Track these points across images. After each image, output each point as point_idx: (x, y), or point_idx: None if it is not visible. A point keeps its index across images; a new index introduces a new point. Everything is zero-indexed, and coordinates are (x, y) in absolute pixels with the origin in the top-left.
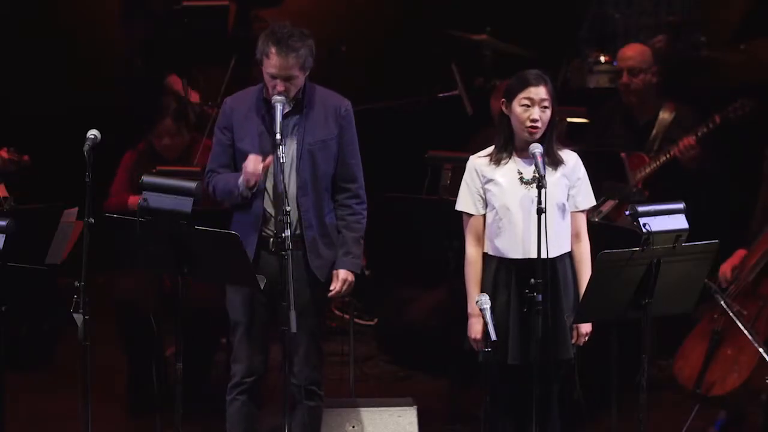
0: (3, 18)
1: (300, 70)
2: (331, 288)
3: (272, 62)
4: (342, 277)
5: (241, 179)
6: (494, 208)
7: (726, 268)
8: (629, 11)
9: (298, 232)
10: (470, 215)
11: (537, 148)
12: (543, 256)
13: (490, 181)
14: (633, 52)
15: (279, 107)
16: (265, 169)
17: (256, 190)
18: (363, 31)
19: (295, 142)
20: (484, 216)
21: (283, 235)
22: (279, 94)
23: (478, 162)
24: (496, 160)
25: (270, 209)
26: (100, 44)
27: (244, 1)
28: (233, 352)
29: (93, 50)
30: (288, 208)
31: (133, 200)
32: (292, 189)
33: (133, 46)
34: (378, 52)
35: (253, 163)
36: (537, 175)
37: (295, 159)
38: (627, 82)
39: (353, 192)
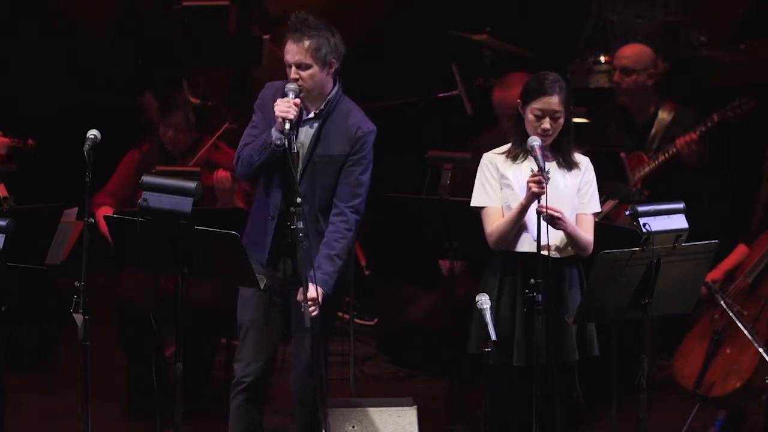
0: (3, 17)
1: (314, 60)
2: (298, 298)
3: (286, 48)
4: (310, 294)
5: (273, 128)
6: (507, 203)
7: (717, 274)
8: (627, 12)
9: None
10: (489, 208)
11: (535, 141)
12: (547, 253)
13: (504, 176)
14: (629, 53)
15: (291, 96)
16: (297, 107)
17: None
18: (363, 31)
19: (305, 150)
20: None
21: (293, 226)
22: (293, 82)
23: (494, 158)
24: (513, 156)
25: (282, 203)
26: (100, 44)
27: (243, 4)
28: (236, 351)
29: (93, 50)
30: (299, 200)
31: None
32: (293, 195)
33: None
34: (378, 52)
35: (284, 103)
36: (538, 167)
37: (301, 167)
38: (618, 81)
39: (340, 210)
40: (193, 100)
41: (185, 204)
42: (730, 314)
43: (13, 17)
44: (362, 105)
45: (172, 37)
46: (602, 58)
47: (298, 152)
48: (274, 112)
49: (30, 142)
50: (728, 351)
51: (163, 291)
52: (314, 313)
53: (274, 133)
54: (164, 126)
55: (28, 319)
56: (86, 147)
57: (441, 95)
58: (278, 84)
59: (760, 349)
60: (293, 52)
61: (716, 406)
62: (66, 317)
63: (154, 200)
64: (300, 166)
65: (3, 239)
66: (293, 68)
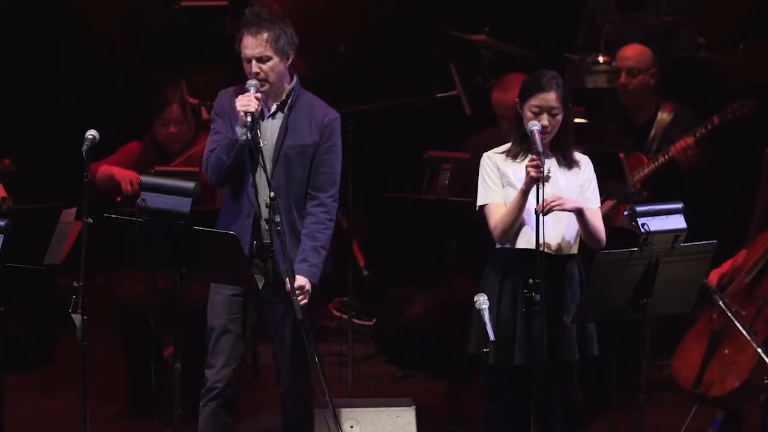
0: (3, 16)
1: (274, 52)
2: (287, 289)
3: (244, 44)
4: (298, 283)
5: (237, 125)
6: (509, 201)
7: (714, 275)
8: (618, 20)
9: (266, 240)
10: (491, 204)
11: (535, 126)
12: (549, 249)
13: (505, 175)
14: (632, 53)
15: (252, 90)
16: (258, 101)
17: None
18: (363, 31)
19: (273, 144)
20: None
21: (271, 221)
22: (254, 77)
23: (494, 156)
24: (513, 155)
25: (255, 200)
26: (100, 44)
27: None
28: (207, 357)
29: (93, 50)
30: (272, 194)
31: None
32: (265, 192)
33: (131, 51)
34: (378, 52)
35: (244, 98)
36: (536, 152)
37: (271, 161)
38: (625, 83)
39: (320, 201)
40: (191, 100)
41: (184, 204)
42: (729, 314)
43: (12, 16)
44: (363, 105)
45: (172, 37)
46: (600, 59)
47: (261, 147)
48: (235, 112)
49: (6, 162)
50: (727, 351)
51: (162, 291)
52: (303, 302)
53: (239, 129)
54: (162, 123)
55: (27, 319)
56: (85, 147)
57: (440, 95)
58: (231, 89)
59: (759, 349)
60: (252, 45)
61: (715, 406)
62: (65, 317)
63: (153, 200)
64: (271, 160)
65: (2, 239)
66: (253, 62)
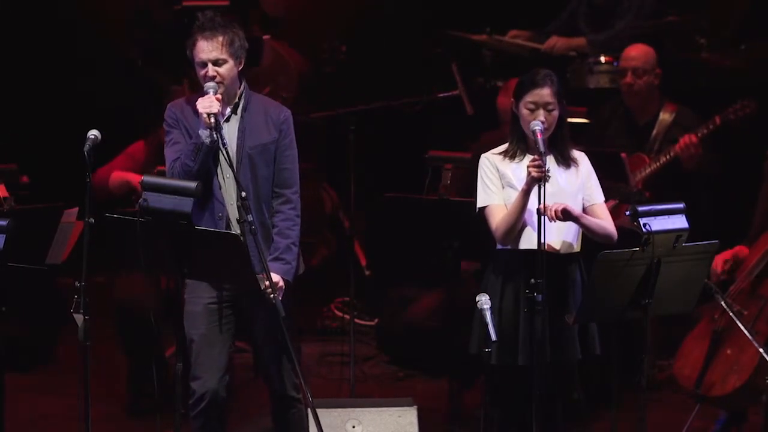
0: (3, 17)
1: (229, 54)
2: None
3: (198, 48)
4: (273, 280)
5: (200, 128)
6: (510, 201)
7: (718, 261)
8: (599, 25)
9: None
10: (492, 205)
11: (537, 126)
12: (552, 248)
13: (504, 176)
14: (637, 53)
15: (211, 92)
16: (220, 102)
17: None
18: (363, 31)
19: (235, 146)
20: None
21: (244, 220)
22: (210, 80)
23: (492, 157)
24: (511, 155)
25: (224, 201)
26: (100, 44)
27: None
28: (191, 368)
29: (93, 50)
30: (243, 194)
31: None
32: (234, 194)
33: (136, 51)
34: (379, 51)
35: (205, 100)
36: (538, 152)
37: (235, 164)
38: (630, 83)
39: (286, 197)
40: None
41: (185, 204)
42: (730, 314)
43: (13, 15)
44: (363, 105)
45: (173, 37)
46: (602, 58)
47: (227, 146)
48: (189, 121)
49: (24, 179)
50: (728, 351)
51: (163, 291)
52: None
53: (202, 132)
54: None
55: (28, 319)
56: (86, 147)
57: (441, 95)
58: (181, 100)
59: (760, 349)
60: (208, 49)
61: (716, 406)
62: (66, 317)
63: (155, 200)
64: (235, 162)
65: (3, 239)
66: (210, 66)
